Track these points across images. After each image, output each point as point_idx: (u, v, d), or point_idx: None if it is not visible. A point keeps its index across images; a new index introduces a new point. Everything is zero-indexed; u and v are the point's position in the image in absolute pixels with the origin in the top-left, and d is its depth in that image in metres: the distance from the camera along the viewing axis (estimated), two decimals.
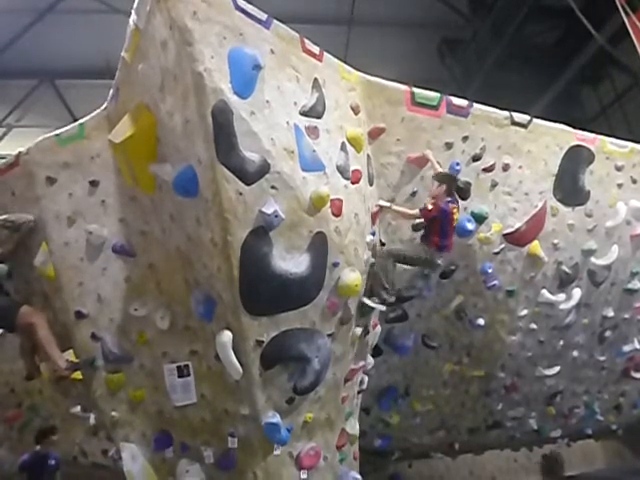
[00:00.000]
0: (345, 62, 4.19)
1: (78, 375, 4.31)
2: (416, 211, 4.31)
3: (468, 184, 4.78)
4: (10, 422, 6.19)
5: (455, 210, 4.33)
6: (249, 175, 3.32)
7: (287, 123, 3.50)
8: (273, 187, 3.41)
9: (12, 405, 6.06)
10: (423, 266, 4.62)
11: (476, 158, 4.80)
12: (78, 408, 5.54)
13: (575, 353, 6.30)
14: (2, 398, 5.94)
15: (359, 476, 4.43)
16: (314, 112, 3.71)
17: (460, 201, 4.71)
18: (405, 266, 4.55)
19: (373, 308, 4.25)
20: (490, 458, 8.57)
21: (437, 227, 4.28)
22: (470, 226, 4.82)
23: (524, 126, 4.96)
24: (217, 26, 3.22)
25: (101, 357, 4.13)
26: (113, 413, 4.17)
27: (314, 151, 3.63)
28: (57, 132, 4.08)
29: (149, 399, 4.20)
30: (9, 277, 4.42)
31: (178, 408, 4.08)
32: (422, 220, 4.39)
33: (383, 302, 4.30)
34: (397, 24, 10.42)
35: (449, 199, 4.32)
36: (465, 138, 4.69)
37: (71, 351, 4.23)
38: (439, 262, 4.45)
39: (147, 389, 4.20)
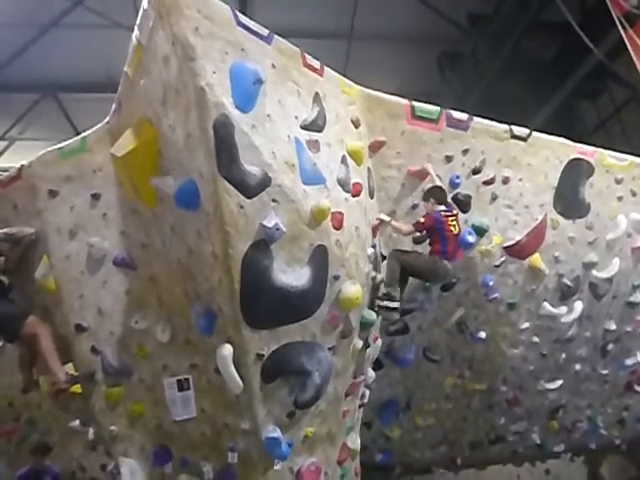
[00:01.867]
0: (345, 76, 4.22)
1: (77, 389, 4.28)
2: (411, 227, 4.33)
3: (468, 197, 4.82)
4: (8, 436, 6.13)
5: (450, 218, 4.34)
6: (250, 188, 3.33)
7: (288, 137, 3.51)
8: (274, 200, 3.41)
9: (10, 419, 6.01)
10: (427, 277, 4.61)
11: (476, 171, 4.81)
12: (77, 422, 5.50)
13: (577, 366, 6.26)
14: (0, 412, 5.89)
15: None
16: (315, 126, 3.73)
17: (460, 214, 4.73)
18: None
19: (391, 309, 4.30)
20: (492, 473, 8.49)
21: (435, 236, 4.31)
22: (471, 239, 4.84)
23: (524, 139, 4.99)
24: (219, 42, 3.25)
25: (101, 370, 4.11)
26: (112, 427, 4.15)
27: (315, 164, 3.64)
28: (59, 145, 4.10)
29: (148, 413, 4.17)
30: (10, 289, 4.41)
31: (178, 422, 4.06)
32: (424, 233, 4.42)
33: (397, 299, 4.31)
34: (397, 38, 10.49)
35: (442, 209, 4.33)
36: (465, 151, 4.71)
37: (71, 364, 4.21)
38: (444, 273, 4.40)
39: (147, 403, 4.17)
